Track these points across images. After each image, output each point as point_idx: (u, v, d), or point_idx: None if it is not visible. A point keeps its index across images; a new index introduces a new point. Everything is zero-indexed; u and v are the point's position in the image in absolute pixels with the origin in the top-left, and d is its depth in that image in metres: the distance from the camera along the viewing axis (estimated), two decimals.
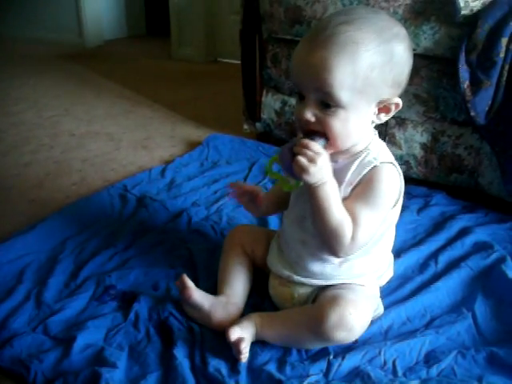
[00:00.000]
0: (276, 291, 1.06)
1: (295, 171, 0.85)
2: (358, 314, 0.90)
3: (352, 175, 0.91)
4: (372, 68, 0.83)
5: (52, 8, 4.19)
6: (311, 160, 0.84)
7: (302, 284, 1.01)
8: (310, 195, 0.88)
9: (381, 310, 1.05)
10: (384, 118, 0.91)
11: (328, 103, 0.85)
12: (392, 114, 0.90)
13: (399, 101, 0.89)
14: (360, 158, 0.91)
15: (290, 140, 0.91)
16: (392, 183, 0.91)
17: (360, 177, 0.90)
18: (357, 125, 0.88)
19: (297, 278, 1.01)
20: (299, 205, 0.98)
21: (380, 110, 0.89)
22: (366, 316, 0.93)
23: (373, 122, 0.91)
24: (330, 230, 0.89)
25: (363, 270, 0.99)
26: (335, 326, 0.88)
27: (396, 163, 0.93)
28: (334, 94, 0.84)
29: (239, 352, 0.91)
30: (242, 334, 0.93)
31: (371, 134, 0.94)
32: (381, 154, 0.91)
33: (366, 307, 0.95)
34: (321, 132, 0.87)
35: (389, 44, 0.85)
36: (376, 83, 0.85)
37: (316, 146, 0.85)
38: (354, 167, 0.91)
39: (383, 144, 0.96)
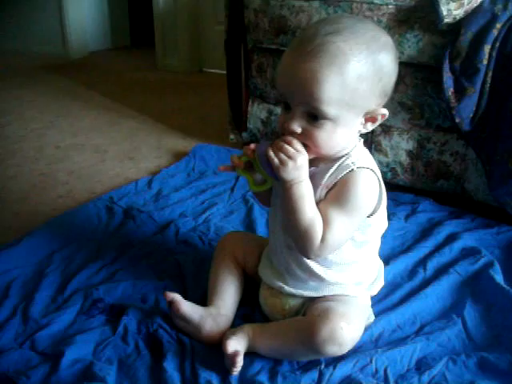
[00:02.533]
0: (267, 302, 1.04)
1: (273, 165, 0.86)
2: (349, 328, 0.89)
3: (329, 178, 0.90)
4: (361, 80, 0.83)
5: (36, 20, 4.17)
6: (291, 157, 0.85)
7: (294, 295, 1.00)
8: (284, 194, 0.88)
9: (371, 318, 1.04)
10: (370, 127, 0.91)
11: (315, 115, 0.85)
12: (378, 123, 0.91)
13: (385, 111, 0.89)
14: (339, 162, 0.91)
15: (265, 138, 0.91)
16: (368, 188, 0.89)
17: (336, 180, 0.89)
18: (343, 136, 0.88)
19: (288, 289, 1.00)
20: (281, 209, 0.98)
21: (367, 120, 0.89)
22: (357, 330, 0.93)
23: (359, 132, 0.91)
24: (301, 230, 0.88)
25: (352, 276, 0.99)
26: (326, 340, 0.88)
27: (376, 169, 0.92)
28: (321, 107, 0.83)
29: (234, 365, 0.90)
30: (238, 347, 0.92)
31: (355, 141, 0.94)
32: (360, 160, 0.91)
33: (358, 321, 0.94)
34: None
35: (378, 55, 0.84)
36: (365, 95, 0.84)
37: (299, 144, 0.86)
38: (332, 170, 0.90)
39: (366, 151, 0.96)
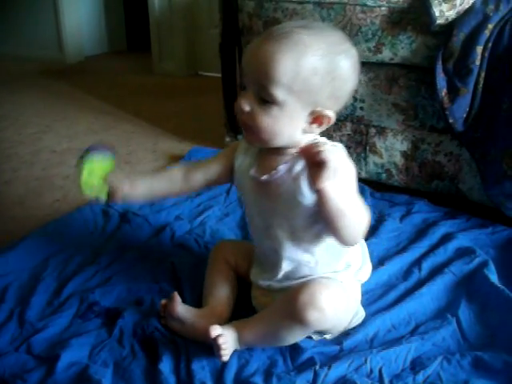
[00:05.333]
0: (259, 302, 1.06)
1: (317, 179, 0.81)
2: (328, 293, 0.91)
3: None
4: (314, 73, 0.85)
5: (32, 24, 4.17)
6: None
7: (283, 291, 1.01)
8: (322, 201, 0.84)
9: (362, 313, 1.05)
10: (316, 129, 0.92)
11: (265, 99, 0.87)
12: (324, 127, 0.91)
13: (332, 115, 0.89)
14: None
15: None
16: (347, 159, 0.87)
17: None
18: (286, 126, 0.89)
19: (277, 285, 1.02)
20: (260, 217, 1.00)
21: (313, 120, 0.90)
22: (337, 298, 0.93)
23: (305, 132, 0.91)
24: (359, 219, 0.89)
25: (338, 264, 1.00)
26: (306, 304, 0.89)
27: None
28: (270, 88, 0.85)
29: (218, 347, 0.91)
30: (223, 332, 0.93)
31: (313, 136, 0.93)
32: (325, 140, 0.93)
33: (338, 290, 0.95)
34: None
35: (336, 56, 0.87)
36: (314, 89, 0.86)
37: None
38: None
39: (324, 138, 0.96)
